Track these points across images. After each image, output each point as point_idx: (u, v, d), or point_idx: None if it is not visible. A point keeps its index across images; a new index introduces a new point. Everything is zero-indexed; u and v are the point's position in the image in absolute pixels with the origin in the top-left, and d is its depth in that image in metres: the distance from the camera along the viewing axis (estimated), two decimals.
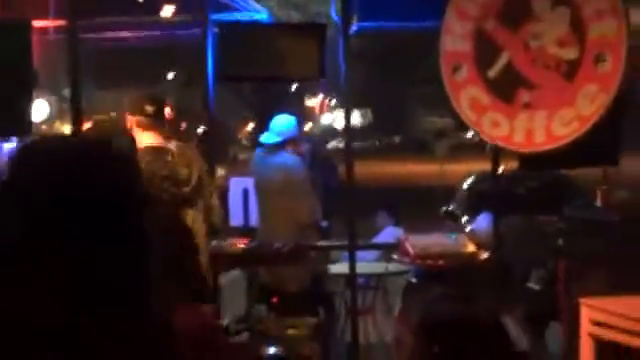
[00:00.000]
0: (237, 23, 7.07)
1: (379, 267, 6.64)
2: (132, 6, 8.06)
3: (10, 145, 6.57)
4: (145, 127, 4.51)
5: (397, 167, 32.36)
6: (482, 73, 5.77)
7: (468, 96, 5.82)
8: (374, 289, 7.05)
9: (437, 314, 6.10)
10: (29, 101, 6.31)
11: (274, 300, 5.89)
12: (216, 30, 6.28)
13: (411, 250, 5.84)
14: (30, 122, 6.40)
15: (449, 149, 11.20)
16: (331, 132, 48.61)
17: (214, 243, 5.87)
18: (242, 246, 5.72)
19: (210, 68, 6.34)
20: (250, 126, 32.97)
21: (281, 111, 7.29)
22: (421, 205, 12.71)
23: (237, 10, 7.15)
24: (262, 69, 6.15)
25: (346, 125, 6.61)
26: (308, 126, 46.37)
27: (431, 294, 6.09)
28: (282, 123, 6.74)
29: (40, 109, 31.59)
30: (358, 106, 45.31)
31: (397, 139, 44.25)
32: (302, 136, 6.98)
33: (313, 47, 6.08)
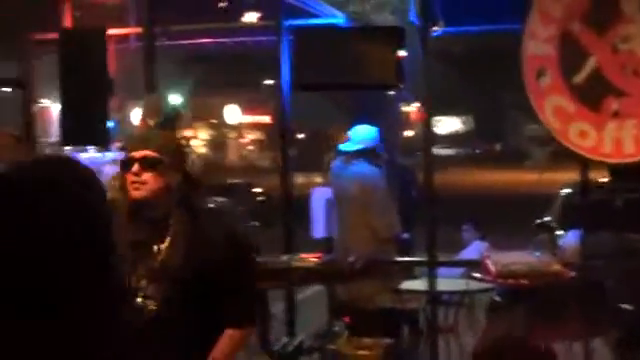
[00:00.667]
0: (312, 28, 6.87)
1: (460, 284, 6.31)
2: (214, 13, 7.97)
3: (87, 155, 6.55)
4: None
5: (496, 175, 31.63)
6: (567, 79, 5.42)
7: (552, 104, 5.48)
8: (457, 306, 6.71)
9: (519, 337, 5.80)
10: (105, 110, 6.28)
11: (346, 319, 5.66)
12: (291, 36, 6.10)
13: (492, 268, 5.51)
14: (106, 131, 6.37)
15: (550, 157, 10.76)
16: (435, 138, 48.15)
17: (285, 258, 5.69)
18: (314, 260, 5.50)
19: (286, 76, 6.16)
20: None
21: (378, 118, 7.09)
22: (516, 216, 12.27)
23: (314, 15, 6.95)
24: (338, 76, 5.93)
25: (425, 132, 6.31)
26: (408, 133, 46.08)
27: (515, 314, 5.76)
28: (362, 132, 6.55)
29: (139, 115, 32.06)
30: (459, 113, 44.70)
31: (498, 146, 43.37)
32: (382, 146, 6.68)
33: (391, 53, 5.83)
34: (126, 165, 2.91)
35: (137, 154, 2.87)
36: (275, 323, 6.21)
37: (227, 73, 23.14)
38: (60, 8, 6.84)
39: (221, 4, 7.95)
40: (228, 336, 3.01)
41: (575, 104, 5.39)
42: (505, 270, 5.46)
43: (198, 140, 39.69)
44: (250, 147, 40.63)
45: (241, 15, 8.24)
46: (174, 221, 2.90)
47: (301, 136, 37.56)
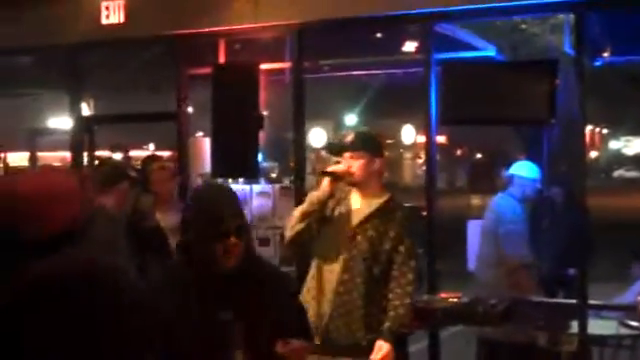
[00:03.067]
0: (460, 61, 6.72)
1: (611, 328, 5.96)
2: (371, 45, 7.98)
3: (238, 187, 6.69)
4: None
5: None
6: None
7: None
8: (616, 347, 6.34)
9: None
10: (255, 142, 6.40)
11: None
12: (440, 69, 6.00)
13: None
14: (257, 163, 6.49)
15: None
16: (619, 159, 46.28)
17: (425, 297, 5.57)
18: (454, 300, 5.35)
19: (433, 109, 6.06)
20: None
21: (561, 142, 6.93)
22: None
23: (463, 48, 6.80)
24: (487, 111, 5.77)
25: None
26: (593, 154, 44.57)
27: None
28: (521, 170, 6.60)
29: (318, 136, 33.05)
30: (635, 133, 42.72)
31: None
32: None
33: (544, 86, 5.61)
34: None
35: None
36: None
37: (400, 98, 23.15)
38: (216, 43, 7.03)
39: (378, 34, 7.89)
40: None
41: None
42: None
43: None
44: (424, 167, 40.37)
45: (401, 45, 8.18)
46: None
47: (479, 156, 37.02)
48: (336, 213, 4.44)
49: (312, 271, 4.47)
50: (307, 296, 4.38)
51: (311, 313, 4.16)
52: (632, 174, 42.93)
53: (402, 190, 33.10)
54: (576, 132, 6.00)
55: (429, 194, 6.16)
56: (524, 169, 6.63)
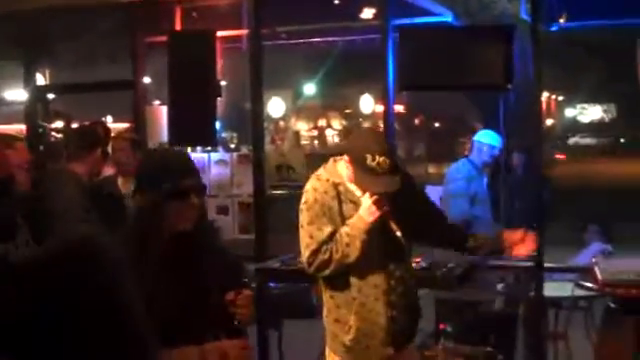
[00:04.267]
0: (417, 27, 6.74)
1: (568, 289, 6.06)
2: (328, 12, 7.96)
3: (196, 155, 6.66)
4: None
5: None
6: None
7: None
8: (569, 310, 6.46)
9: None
10: (213, 110, 6.36)
11: (441, 326, 5.54)
12: (397, 35, 6.00)
13: (599, 277, 5.27)
14: (215, 131, 6.46)
15: None
16: (575, 127, 46.78)
17: None
18: (413, 265, 5.38)
19: (391, 76, 6.06)
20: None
21: (517, 109, 7.07)
22: None
23: (421, 13, 6.81)
24: (444, 76, 5.80)
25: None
26: (549, 122, 45.02)
27: (628, 323, 5.47)
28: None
29: (276, 106, 32.87)
30: (601, 101, 43.18)
31: None
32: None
33: (500, 52, 5.65)
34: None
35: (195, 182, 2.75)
36: None
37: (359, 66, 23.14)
38: (172, 11, 6.97)
39: (336, 1, 7.87)
40: None
41: None
42: (612, 279, 5.21)
43: (331, 130, 40.00)
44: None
45: (359, 12, 8.17)
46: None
47: (437, 125, 37.18)
48: (346, 214, 3.83)
49: (350, 289, 3.87)
50: (361, 314, 3.87)
51: (373, 327, 3.85)
52: (587, 141, 43.45)
53: None
54: (532, 99, 6.05)
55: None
56: (485, 136, 6.86)
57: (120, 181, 5.55)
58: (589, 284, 5.80)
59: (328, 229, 3.78)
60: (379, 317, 3.82)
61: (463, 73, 5.72)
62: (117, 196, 5.39)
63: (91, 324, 1.41)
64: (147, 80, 7.13)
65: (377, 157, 3.62)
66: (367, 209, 3.71)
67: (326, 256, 3.78)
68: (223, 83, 6.49)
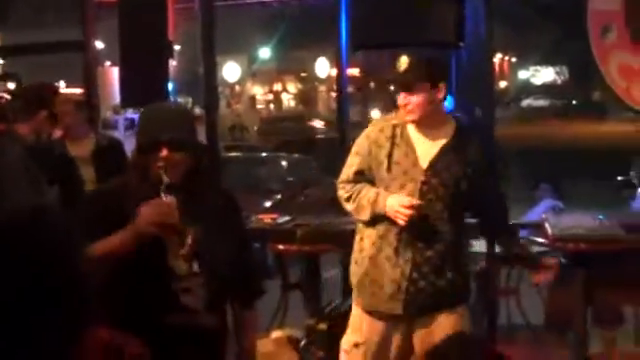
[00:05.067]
0: None
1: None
2: None
3: None
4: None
5: (593, 127, 30.73)
6: (634, 35, 5.18)
7: (617, 61, 5.25)
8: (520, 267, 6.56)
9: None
10: (165, 71, 6.32)
11: None
12: None
13: (550, 232, 5.36)
14: (167, 92, 6.41)
15: None
16: (527, 89, 47.20)
17: (337, 220, 5.66)
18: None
19: (344, 38, 6.07)
20: None
21: (467, 69, 6.99)
22: (602, 171, 11.93)
23: None
24: (396, 34, 5.80)
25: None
26: (503, 84, 45.38)
27: (579, 278, 5.58)
28: None
29: (231, 70, 32.79)
30: (553, 63, 43.52)
31: (596, 95, 42.07)
32: None
33: (452, 9, 5.67)
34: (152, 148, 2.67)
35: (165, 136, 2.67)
36: (331, 287, 6.21)
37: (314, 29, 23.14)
38: None
39: None
40: (252, 321, 2.97)
41: None
42: (562, 234, 5.31)
43: (287, 94, 39.96)
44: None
45: None
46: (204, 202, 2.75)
47: (392, 88, 37.19)
48: (395, 157, 3.53)
49: (377, 228, 3.58)
50: (375, 257, 3.59)
51: (383, 277, 3.55)
52: (540, 103, 43.90)
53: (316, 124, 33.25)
54: (484, 59, 6.09)
55: (341, 126, 6.21)
56: None
57: (68, 145, 5.48)
58: (540, 239, 5.89)
59: (354, 168, 3.61)
60: (392, 270, 3.53)
61: (415, 31, 5.72)
62: (69, 158, 5.35)
63: (39, 300, 1.39)
64: (98, 42, 7.02)
65: None
66: (392, 206, 3.44)
67: (345, 195, 3.63)
68: (177, 47, 6.42)
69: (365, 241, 3.62)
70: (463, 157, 3.50)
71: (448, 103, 6.86)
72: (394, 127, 3.55)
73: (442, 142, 3.53)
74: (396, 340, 3.62)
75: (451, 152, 3.51)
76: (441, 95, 3.52)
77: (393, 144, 3.53)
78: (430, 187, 3.48)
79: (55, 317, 1.42)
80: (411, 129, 3.55)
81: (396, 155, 3.52)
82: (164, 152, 2.64)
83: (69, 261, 1.46)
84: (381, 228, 3.54)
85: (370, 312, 3.65)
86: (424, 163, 3.50)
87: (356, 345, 3.72)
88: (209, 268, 2.68)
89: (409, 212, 3.39)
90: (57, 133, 5.56)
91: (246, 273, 2.89)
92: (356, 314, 3.73)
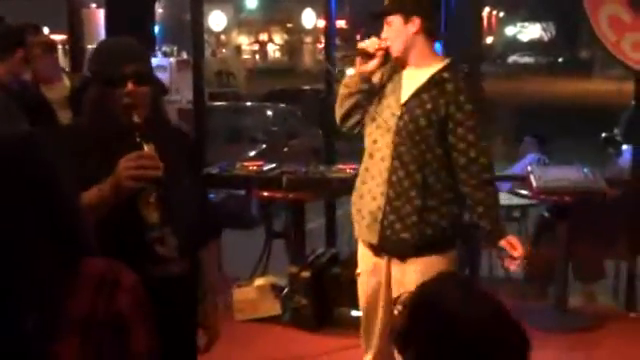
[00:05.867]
0: None
1: (503, 199, 6.16)
2: None
3: None
4: (434, 37, 3.66)
5: (579, 84, 30.74)
6: None
7: (608, 13, 5.21)
8: (511, 221, 6.58)
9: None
10: (151, 13, 6.25)
11: None
12: None
13: (534, 184, 5.37)
14: (153, 35, 6.34)
15: None
16: (514, 45, 47.08)
17: (322, 168, 5.65)
18: (351, 172, 5.44)
19: None
20: None
21: (455, 23, 6.88)
22: (587, 128, 11.95)
23: None
24: None
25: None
26: (489, 39, 45.21)
27: (561, 231, 5.60)
28: None
29: (217, 19, 32.49)
30: (540, 19, 43.37)
31: (585, 53, 42.01)
32: None
33: None
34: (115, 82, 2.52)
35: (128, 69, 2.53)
36: (314, 238, 6.22)
37: None
38: None
39: None
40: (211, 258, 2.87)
41: (630, 13, 5.14)
42: (547, 186, 5.32)
43: (273, 44, 39.65)
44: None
45: None
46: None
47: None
48: (387, 91, 3.61)
49: (364, 160, 3.66)
50: (360, 188, 3.65)
51: (364, 208, 3.59)
52: (526, 60, 43.80)
53: (303, 74, 33.07)
54: (473, 13, 6.04)
55: (328, 78, 6.17)
56: None
57: (42, 88, 5.34)
58: (524, 192, 5.90)
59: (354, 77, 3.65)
60: (370, 202, 3.58)
61: None
62: (45, 100, 5.21)
63: (30, 219, 1.42)
64: None
65: None
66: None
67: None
68: None
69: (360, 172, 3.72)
70: (440, 97, 3.46)
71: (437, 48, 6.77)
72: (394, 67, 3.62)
73: (423, 80, 3.52)
74: (383, 270, 3.64)
75: (428, 91, 3.49)
76: (413, 29, 3.49)
77: (389, 80, 3.59)
78: (404, 123, 3.49)
79: (50, 239, 1.42)
80: (406, 70, 3.58)
81: (387, 90, 3.57)
82: (129, 86, 2.49)
83: (62, 181, 1.46)
84: (367, 161, 3.62)
85: (362, 241, 3.72)
86: (403, 99, 3.53)
87: (358, 274, 3.77)
88: (177, 214, 2.58)
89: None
90: (27, 75, 5.39)
91: (202, 211, 2.78)
92: (359, 244, 3.80)
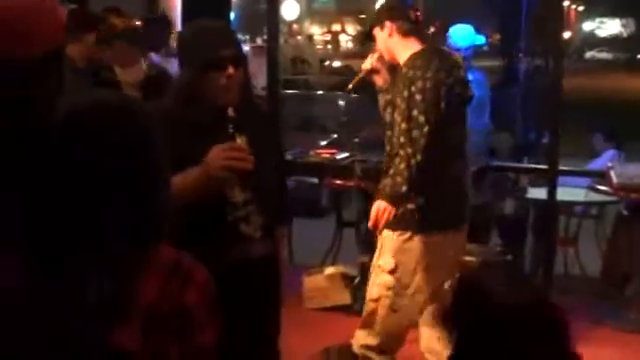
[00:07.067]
0: None
1: (580, 195, 6.00)
2: None
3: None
4: (406, 33, 3.75)
5: None
6: None
7: None
8: (581, 217, 6.41)
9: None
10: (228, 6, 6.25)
11: None
12: None
13: (615, 180, 5.22)
14: (229, 20, 6.33)
15: None
16: (592, 41, 46.18)
17: None
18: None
19: None
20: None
21: (537, 18, 6.70)
22: None
23: None
24: None
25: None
26: (567, 34, 44.38)
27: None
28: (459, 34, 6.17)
29: (290, 9, 32.58)
30: (619, 15, 42.41)
31: None
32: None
33: None
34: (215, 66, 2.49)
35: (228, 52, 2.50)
36: None
37: None
38: None
39: None
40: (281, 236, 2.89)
41: None
42: (628, 183, 5.17)
43: (345, 35, 39.51)
44: None
45: None
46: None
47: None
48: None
49: None
50: None
51: None
52: (604, 55, 42.90)
53: None
54: (554, 5, 5.89)
55: None
56: (454, 33, 6.22)
57: (117, 70, 5.35)
58: (603, 187, 5.74)
59: None
60: None
61: None
62: (114, 81, 5.21)
63: (119, 182, 1.40)
64: None
65: None
66: None
67: None
68: None
69: None
70: (412, 82, 3.58)
71: (463, 41, 6.43)
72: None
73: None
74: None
75: (401, 76, 3.66)
76: (388, 33, 3.74)
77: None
78: (390, 107, 3.74)
79: (132, 211, 1.39)
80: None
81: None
82: (230, 70, 2.47)
83: (157, 150, 1.46)
84: None
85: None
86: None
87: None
88: (262, 194, 2.58)
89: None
90: (105, 57, 5.42)
91: (281, 194, 2.81)
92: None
